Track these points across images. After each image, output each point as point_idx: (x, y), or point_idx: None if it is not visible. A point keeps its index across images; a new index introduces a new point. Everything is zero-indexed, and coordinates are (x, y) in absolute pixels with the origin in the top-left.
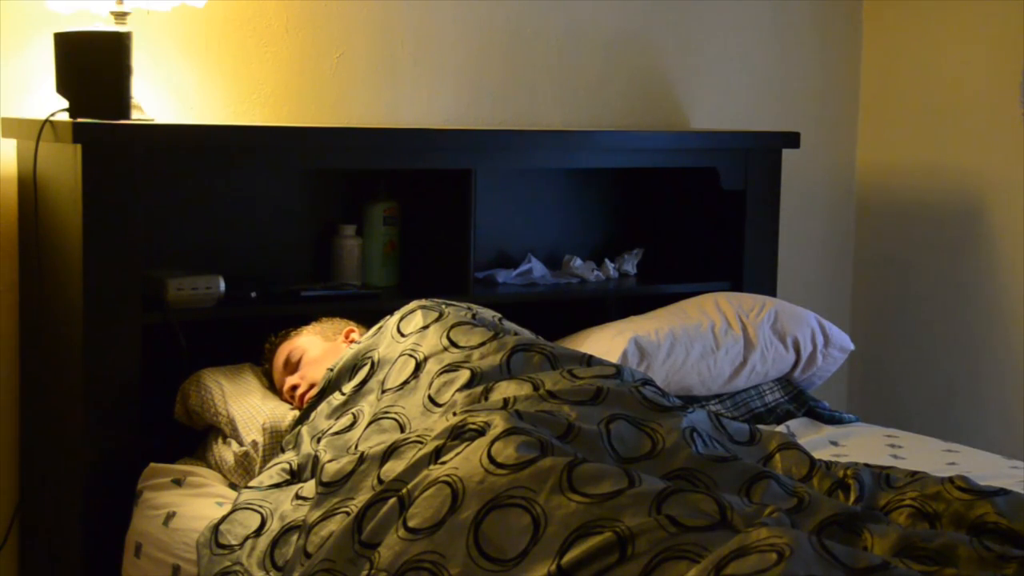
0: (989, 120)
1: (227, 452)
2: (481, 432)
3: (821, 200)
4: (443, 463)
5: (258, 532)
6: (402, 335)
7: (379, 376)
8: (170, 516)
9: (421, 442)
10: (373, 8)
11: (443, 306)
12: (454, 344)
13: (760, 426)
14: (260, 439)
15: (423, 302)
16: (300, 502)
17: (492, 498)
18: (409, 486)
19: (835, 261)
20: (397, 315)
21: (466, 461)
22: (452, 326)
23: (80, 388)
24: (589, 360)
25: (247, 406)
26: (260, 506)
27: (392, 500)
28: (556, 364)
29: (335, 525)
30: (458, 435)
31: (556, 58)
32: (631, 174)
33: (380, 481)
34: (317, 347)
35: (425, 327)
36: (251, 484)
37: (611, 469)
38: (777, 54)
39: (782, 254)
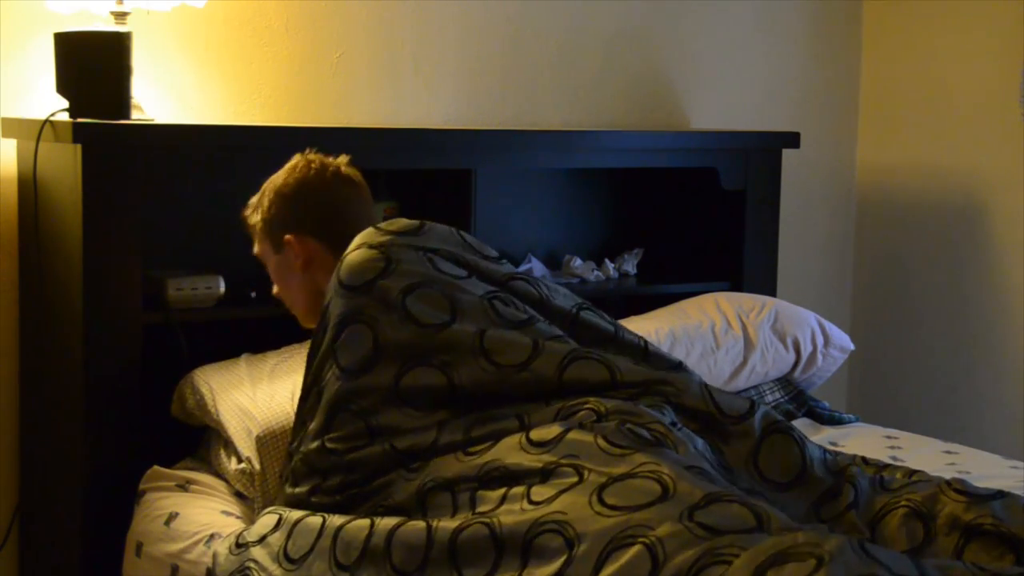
0: (989, 120)
1: (228, 463)
2: (516, 479)
3: (821, 200)
4: (485, 512)
5: (275, 528)
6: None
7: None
8: (172, 516)
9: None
10: (373, 8)
11: (389, 250)
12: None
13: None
14: (254, 455)
15: (369, 240)
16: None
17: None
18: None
19: (835, 261)
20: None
21: (510, 514)
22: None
23: (80, 388)
24: (551, 396)
25: (236, 409)
26: (278, 511)
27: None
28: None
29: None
30: (490, 480)
31: (556, 58)
32: (631, 174)
33: (422, 507)
34: (285, 271)
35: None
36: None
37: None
38: (777, 54)
39: (782, 254)
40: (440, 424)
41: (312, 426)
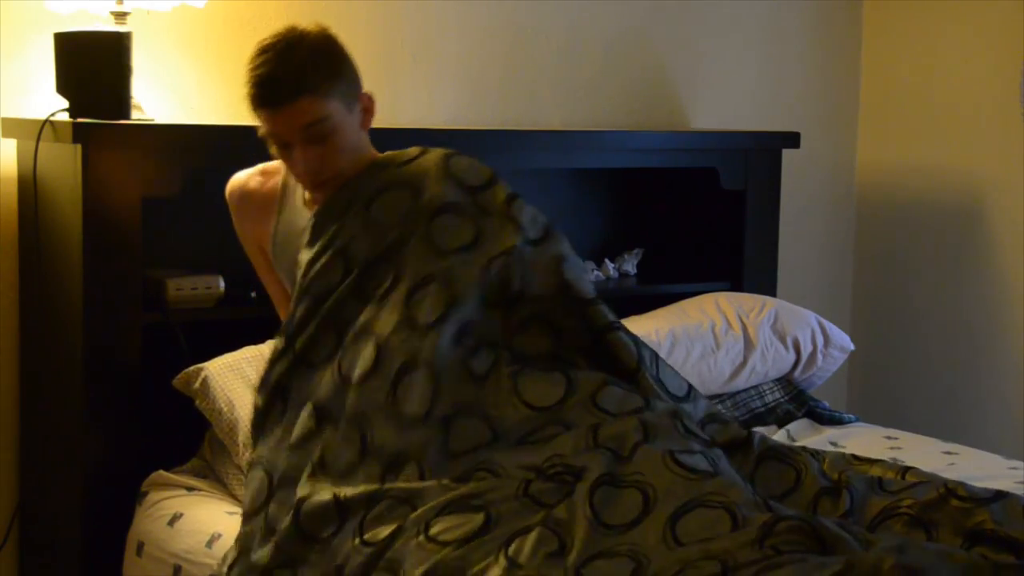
0: (989, 120)
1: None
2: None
3: (821, 200)
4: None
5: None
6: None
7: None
8: (176, 517)
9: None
10: (373, 8)
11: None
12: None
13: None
14: None
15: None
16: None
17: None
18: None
19: (835, 261)
20: None
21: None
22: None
23: (80, 388)
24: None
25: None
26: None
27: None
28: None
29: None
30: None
31: (556, 58)
32: (631, 174)
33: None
34: (354, 131)
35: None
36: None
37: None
38: (777, 54)
39: (782, 254)
40: None
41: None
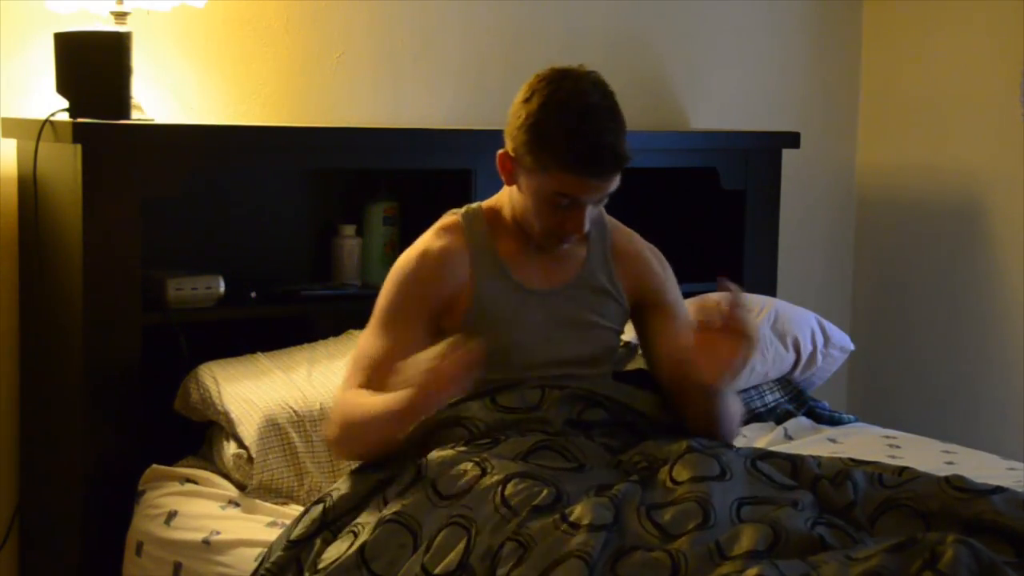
0: (989, 120)
1: (227, 450)
2: None
3: (821, 200)
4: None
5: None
6: None
7: None
8: (172, 515)
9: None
10: (374, 8)
11: None
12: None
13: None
14: (254, 443)
15: None
16: None
17: None
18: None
19: (835, 261)
20: None
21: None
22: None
23: (80, 388)
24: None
25: (240, 397)
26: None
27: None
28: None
29: None
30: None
31: (557, 58)
32: (631, 174)
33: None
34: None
35: None
36: None
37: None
38: (777, 54)
39: (782, 254)
40: None
41: None
